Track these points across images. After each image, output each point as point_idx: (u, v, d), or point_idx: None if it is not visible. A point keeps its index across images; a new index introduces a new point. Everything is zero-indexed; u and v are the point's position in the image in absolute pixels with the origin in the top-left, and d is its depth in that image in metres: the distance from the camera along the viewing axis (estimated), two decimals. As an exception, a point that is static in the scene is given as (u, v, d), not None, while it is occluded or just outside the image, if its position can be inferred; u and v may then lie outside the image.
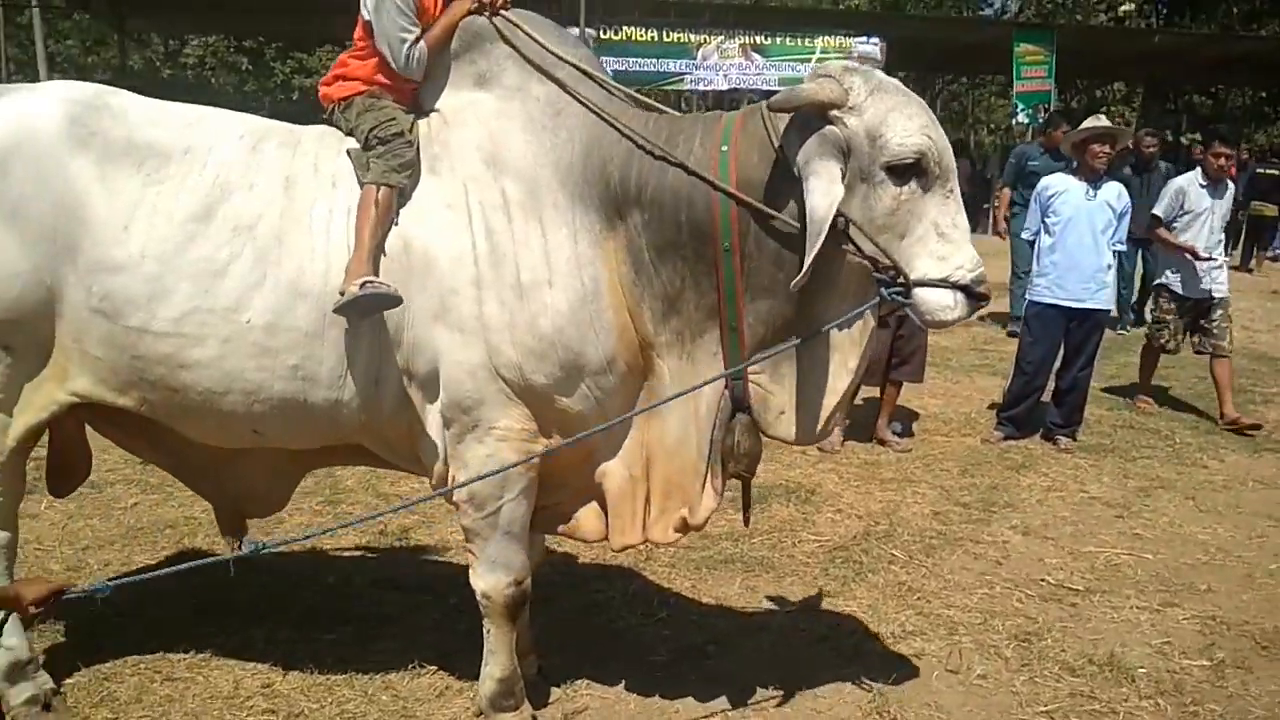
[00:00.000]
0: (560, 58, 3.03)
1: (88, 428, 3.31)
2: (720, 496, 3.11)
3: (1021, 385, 6.67)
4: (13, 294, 2.84)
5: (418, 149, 2.95)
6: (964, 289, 2.76)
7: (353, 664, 3.55)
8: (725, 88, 21.24)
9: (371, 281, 2.75)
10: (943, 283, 2.75)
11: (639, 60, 19.56)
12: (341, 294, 2.76)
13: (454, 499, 3.03)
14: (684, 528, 3.11)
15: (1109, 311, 6.95)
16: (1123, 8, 28.52)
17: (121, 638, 3.64)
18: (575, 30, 18.08)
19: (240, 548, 3.44)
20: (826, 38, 20.28)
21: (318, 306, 2.85)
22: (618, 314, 2.94)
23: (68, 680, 3.36)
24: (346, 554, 4.51)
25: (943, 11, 32.01)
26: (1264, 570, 4.67)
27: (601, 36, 19.24)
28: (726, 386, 2.97)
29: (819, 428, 2.99)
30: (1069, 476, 5.98)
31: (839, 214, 2.66)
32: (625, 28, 19.49)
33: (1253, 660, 3.84)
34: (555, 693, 3.46)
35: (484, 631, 3.13)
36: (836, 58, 20.04)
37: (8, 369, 2.93)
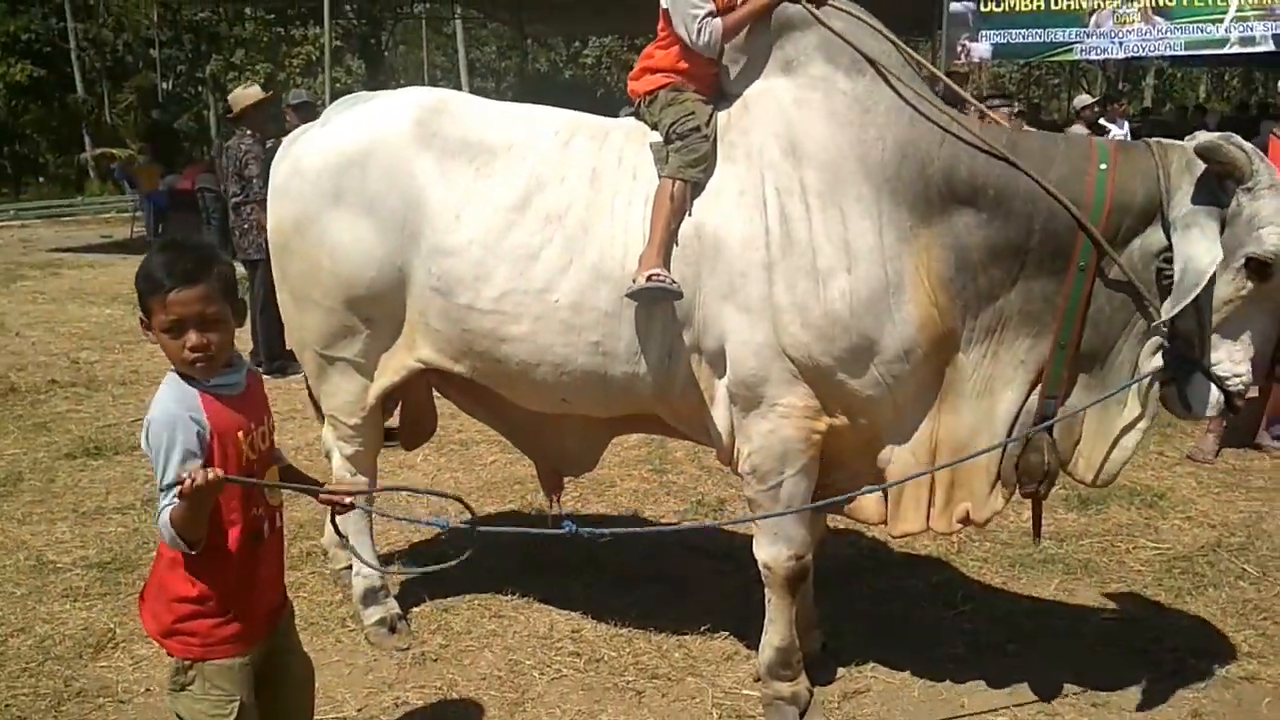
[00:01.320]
0: (895, 44, 3.07)
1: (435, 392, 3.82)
2: (1008, 502, 3.10)
3: None
4: (371, 274, 3.32)
5: (714, 142, 3.08)
6: (1229, 396, 2.84)
7: (654, 621, 3.81)
8: (1122, 56, 19.51)
9: (657, 274, 2.94)
10: (1221, 382, 2.83)
11: (1023, 31, 18.43)
12: (634, 281, 2.98)
13: (739, 470, 3.18)
14: (966, 520, 3.10)
15: None
16: None
17: (462, 578, 4.14)
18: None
19: (558, 514, 3.81)
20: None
21: (616, 289, 3.08)
22: (919, 306, 2.94)
23: (413, 609, 3.90)
24: (664, 520, 4.80)
25: None
26: None
27: (982, 9, 18.41)
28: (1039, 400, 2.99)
29: (1109, 472, 3.02)
30: None
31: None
32: (1008, -1, 18.48)
33: None
34: (839, 671, 3.51)
35: (766, 601, 3.26)
36: (1254, 15, 17.81)
37: (368, 338, 3.44)
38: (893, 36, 3.10)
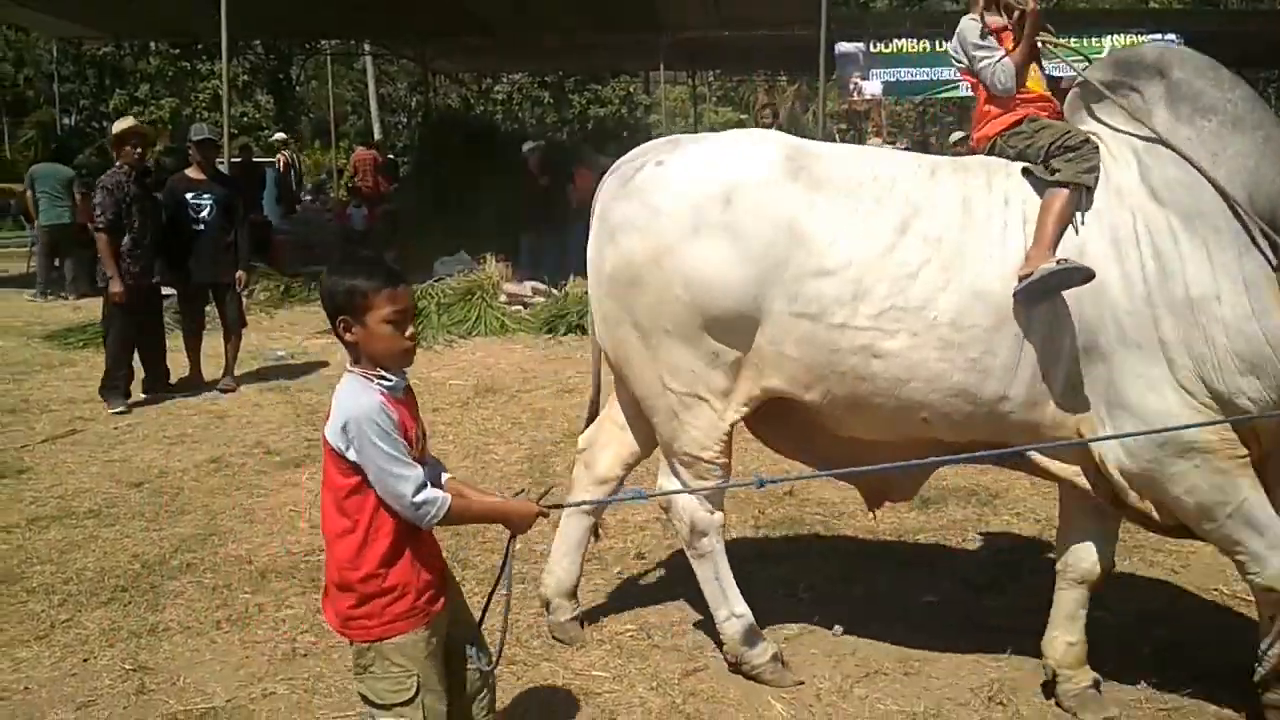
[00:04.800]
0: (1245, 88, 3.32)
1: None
2: None
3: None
4: (727, 302, 3.38)
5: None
6: None
7: (516, 615, 3.97)
8: (1005, 94, 20.55)
9: (1062, 259, 3.11)
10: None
11: (910, 70, 19.35)
12: (1022, 279, 3.16)
13: (1165, 520, 3.29)
14: None
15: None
16: None
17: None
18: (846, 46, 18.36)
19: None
20: (1115, 37, 19.11)
21: (994, 305, 3.25)
22: None
23: (287, 611, 4.10)
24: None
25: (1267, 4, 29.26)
26: None
27: (871, 50, 19.26)
28: None
29: None
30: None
31: None
32: (896, 40, 19.37)
33: None
34: (679, 653, 3.85)
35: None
36: (1126, 57, 18.93)
37: (719, 367, 3.47)
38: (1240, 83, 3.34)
